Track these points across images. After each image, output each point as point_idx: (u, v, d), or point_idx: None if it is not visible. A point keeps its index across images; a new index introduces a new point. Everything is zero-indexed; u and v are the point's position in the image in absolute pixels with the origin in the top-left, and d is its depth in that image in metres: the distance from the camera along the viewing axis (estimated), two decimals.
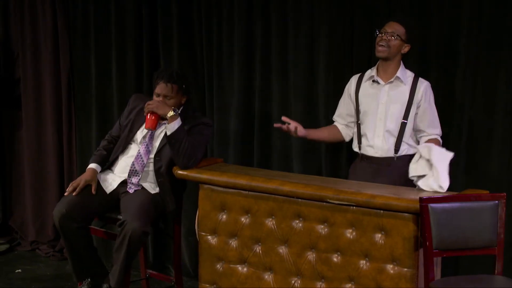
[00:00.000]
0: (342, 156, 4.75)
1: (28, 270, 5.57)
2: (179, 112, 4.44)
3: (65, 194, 4.47)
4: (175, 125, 4.35)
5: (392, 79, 4.31)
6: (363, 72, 4.44)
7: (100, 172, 4.59)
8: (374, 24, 4.58)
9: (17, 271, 5.54)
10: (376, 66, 4.38)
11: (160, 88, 4.47)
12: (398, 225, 3.84)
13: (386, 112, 4.30)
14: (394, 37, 4.25)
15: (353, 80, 4.45)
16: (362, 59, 4.66)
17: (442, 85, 4.50)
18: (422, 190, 4.00)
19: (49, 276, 5.45)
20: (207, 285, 4.36)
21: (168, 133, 4.36)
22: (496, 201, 3.73)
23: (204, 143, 4.54)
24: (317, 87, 4.78)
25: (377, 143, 4.33)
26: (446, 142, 4.46)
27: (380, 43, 4.27)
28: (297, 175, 4.50)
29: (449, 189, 4.18)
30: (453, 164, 4.48)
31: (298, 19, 4.78)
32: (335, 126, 4.53)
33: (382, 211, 3.87)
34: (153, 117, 4.39)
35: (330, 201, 3.97)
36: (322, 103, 4.76)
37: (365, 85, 4.38)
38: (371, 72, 4.38)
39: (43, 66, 5.76)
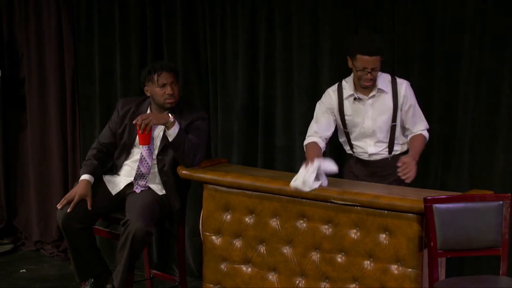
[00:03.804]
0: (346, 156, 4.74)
1: (32, 270, 5.57)
2: (174, 114, 4.41)
3: (58, 207, 4.36)
4: (175, 129, 4.32)
5: (374, 93, 4.24)
6: (338, 85, 4.31)
7: (106, 174, 4.58)
8: (378, 24, 4.58)
9: (21, 271, 5.55)
10: (351, 81, 4.26)
11: (165, 77, 4.43)
12: (402, 225, 3.83)
13: (374, 125, 4.26)
14: (377, 70, 4.16)
15: (333, 95, 4.31)
16: None
17: (446, 84, 4.49)
18: (426, 191, 3.99)
19: (53, 276, 5.46)
20: (211, 285, 4.36)
21: (170, 139, 4.32)
22: (501, 202, 3.73)
23: (205, 138, 4.53)
24: (321, 87, 4.77)
25: (370, 151, 4.32)
26: (451, 142, 4.46)
27: (368, 81, 4.16)
28: None
29: (453, 190, 4.18)
30: (457, 165, 4.50)
31: (302, 19, 4.78)
32: (316, 142, 4.29)
33: (386, 212, 3.86)
34: (146, 133, 4.26)
35: (334, 201, 3.97)
36: None
37: (347, 102, 4.28)
38: (349, 90, 4.26)
39: (47, 66, 5.77)
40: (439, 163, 4.53)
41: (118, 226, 4.42)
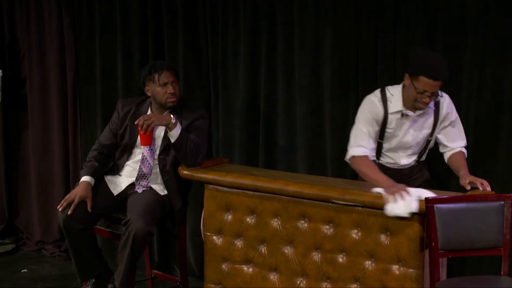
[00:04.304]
0: None
1: (33, 270, 5.57)
2: (175, 115, 4.40)
3: (59, 209, 4.37)
4: (177, 130, 4.31)
5: (422, 111, 4.11)
6: (382, 95, 4.14)
7: (108, 175, 4.58)
8: (379, 24, 4.57)
9: (22, 271, 5.55)
10: (399, 95, 4.10)
11: (166, 76, 4.43)
12: (403, 225, 3.83)
13: (413, 140, 4.19)
14: (436, 95, 4.02)
15: (379, 106, 4.12)
16: (367, 60, 4.64)
17: (447, 84, 4.47)
18: (427, 191, 3.99)
19: (54, 276, 5.46)
20: (212, 285, 4.36)
21: (173, 141, 4.32)
22: (502, 202, 3.73)
23: (206, 137, 4.53)
24: (322, 87, 4.77)
25: (402, 162, 4.25)
26: None
27: (424, 104, 4.01)
28: (302, 176, 4.49)
29: (455, 190, 4.18)
30: None
31: (304, 19, 4.77)
32: (369, 157, 4.10)
33: None
34: (148, 133, 4.25)
35: (336, 201, 3.97)
36: (327, 104, 4.75)
37: (392, 117, 4.13)
38: (396, 104, 4.09)
39: (48, 66, 5.77)
40: (440, 163, 4.53)
41: (120, 226, 4.43)
